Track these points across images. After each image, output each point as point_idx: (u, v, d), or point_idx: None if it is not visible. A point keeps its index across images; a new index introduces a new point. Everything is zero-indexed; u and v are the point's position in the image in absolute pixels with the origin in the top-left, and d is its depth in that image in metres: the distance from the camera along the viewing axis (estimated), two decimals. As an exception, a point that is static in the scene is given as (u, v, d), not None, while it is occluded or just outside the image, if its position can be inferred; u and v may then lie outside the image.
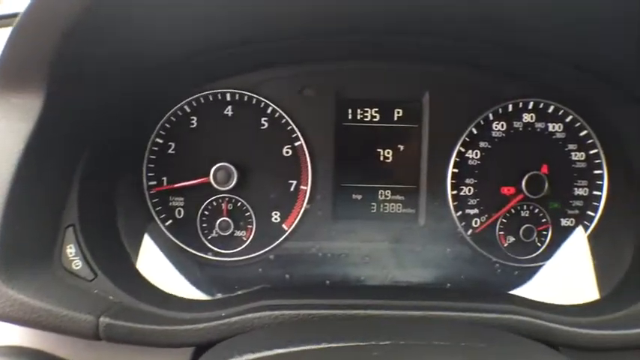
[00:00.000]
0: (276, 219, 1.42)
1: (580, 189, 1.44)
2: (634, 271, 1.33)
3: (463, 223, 1.41)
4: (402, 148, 1.41)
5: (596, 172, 1.44)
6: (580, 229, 1.40)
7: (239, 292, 1.25)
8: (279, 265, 1.38)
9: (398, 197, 1.41)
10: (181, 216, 1.43)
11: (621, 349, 1.16)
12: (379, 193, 1.41)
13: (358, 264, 1.35)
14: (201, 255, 1.42)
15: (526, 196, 1.40)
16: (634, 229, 1.37)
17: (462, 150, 1.41)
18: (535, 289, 1.38)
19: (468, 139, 1.40)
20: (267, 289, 1.24)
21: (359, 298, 1.13)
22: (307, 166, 1.40)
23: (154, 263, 1.34)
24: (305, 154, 1.40)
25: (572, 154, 1.44)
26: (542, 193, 1.40)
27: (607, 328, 1.16)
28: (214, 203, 1.43)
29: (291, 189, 1.41)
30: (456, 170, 1.40)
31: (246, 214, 1.43)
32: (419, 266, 1.33)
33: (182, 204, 1.43)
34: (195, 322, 1.09)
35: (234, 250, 1.43)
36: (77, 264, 1.17)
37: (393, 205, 1.41)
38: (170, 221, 1.43)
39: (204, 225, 1.43)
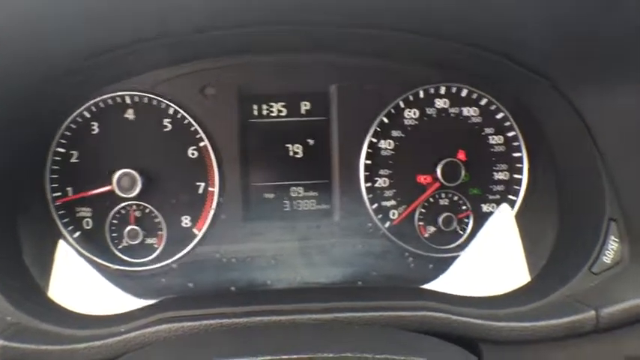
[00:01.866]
0: (186, 224, 1.37)
1: (500, 173, 1.40)
2: (556, 255, 1.29)
3: (380, 216, 1.36)
4: (311, 142, 1.36)
5: (516, 154, 1.40)
6: (507, 209, 1.35)
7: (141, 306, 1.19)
8: (182, 274, 1.32)
9: (311, 193, 1.36)
10: (90, 227, 1.37)
11: (539, 340, 1.12)
12: (291, 190, 1.36)
13: (265, 267, 1.29)
14: (111, 266, 1.36)
15: (442, 184, 1.35)
16: (556, 211, 1.33)
17: (374, 140, 1.36)
18: (455, 279, 1.33)
19: (379, 129, 1.35)
20: (169, 300, 1.18)
21: (262, 303, 1.07)
22: (213, 167, 1.34)
23: (64, 279, 1.28)
24: (210, 155, 1.34)
25: (490, 137, 1.40)
26: (459, 180, 1.35)
27: (525, 320, 1.12)
28: (122, 211, 1.37)
29: (200, 191, 1.36)
30: (368, 162, 1.35)
31: (156, 221, 1.37)
32: (329, 265, 1.28)
33: (90, 214, 1.37)
34: (94, 339, 1.04)
35: (147, 259, 1.37)
36: (-27, 285, 1.12)
37: (306, 202, 1.36)
38: (79, 233, 1.36)
39: (113, 235, 1.37)
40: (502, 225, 1.37)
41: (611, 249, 1.22)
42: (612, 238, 1.22)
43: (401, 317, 1.09)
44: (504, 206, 1.36)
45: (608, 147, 1.22)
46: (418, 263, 1.33)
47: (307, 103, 1.35)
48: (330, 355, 0.89)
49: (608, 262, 1.21)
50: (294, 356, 0.88)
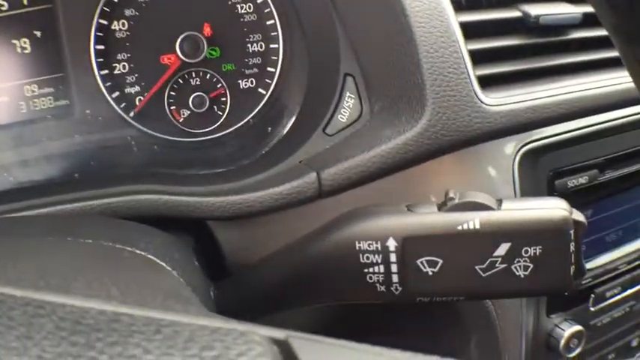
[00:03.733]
0: None
1: (254, 45, 1.29)
2: (297, 121, 1.20)
3: (123, 105, 1.26)
4: (39, 34, 1.24)
5: (269, 22, 1.29)
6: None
7: None
8: None
9: (46, 90, 1.26)
10: None
11: (267, 211, 1.04)
12: (25, 89, 1.25)
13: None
14: None
15: (184, 62, 1.25)
16: (307, 77, 1.24)
17: (105, 23, 1.24)
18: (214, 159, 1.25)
19: (108, 9, 1.24)
20: None
21: None
22: None
23: None
24: None
25: (238, 7, 1.28)
26: (201, 56, 1.25)
27: (248, 191, 1.05)
28: None
29: None
30: (101, 47, 1.24)
31: None
32: (45, 162, 1.19)
33: None
34: None
35: None
36: None
37: (43, 100, 1.26)
38: None
39: None
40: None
41: (347, 107, 1.13)
42: (348, 94, 1.13)
43: (114, 204, 1.01)
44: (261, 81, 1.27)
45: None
46: (144, 148, 1.24)
47: (27, -9, 1.23)
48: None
49: (344, 120, 1.13)
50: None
